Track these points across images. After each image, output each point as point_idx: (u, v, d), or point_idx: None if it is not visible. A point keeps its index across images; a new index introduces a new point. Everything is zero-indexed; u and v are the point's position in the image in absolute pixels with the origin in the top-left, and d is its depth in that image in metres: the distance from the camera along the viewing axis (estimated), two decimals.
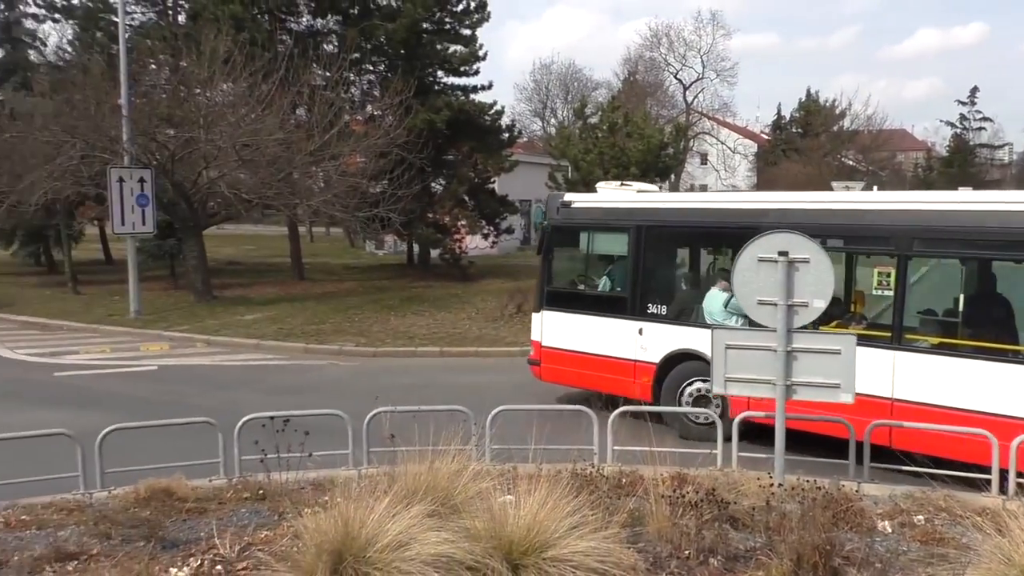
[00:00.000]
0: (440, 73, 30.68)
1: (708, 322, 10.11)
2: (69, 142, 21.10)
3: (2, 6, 31.85)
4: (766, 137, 61.23)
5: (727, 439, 8.14)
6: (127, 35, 23.00)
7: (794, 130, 57.04)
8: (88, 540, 6.15)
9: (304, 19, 29.85)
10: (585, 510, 5.53)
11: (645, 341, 10.77)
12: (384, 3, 29.38)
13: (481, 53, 30.32)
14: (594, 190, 12.93)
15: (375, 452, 7.93)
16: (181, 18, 30.24)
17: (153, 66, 25.32)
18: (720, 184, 54.32)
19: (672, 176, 39.25)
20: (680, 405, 10.46)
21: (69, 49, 30.56)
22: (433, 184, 30.10)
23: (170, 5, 30.75)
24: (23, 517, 6.87)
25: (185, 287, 25.08)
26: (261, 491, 7.30)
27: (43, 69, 30.04)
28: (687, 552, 5.81)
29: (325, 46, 27.41)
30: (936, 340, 8.94)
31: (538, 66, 73.14)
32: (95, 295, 24.76)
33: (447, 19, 29.92)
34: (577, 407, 8.59)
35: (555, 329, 11.78)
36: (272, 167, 22.13)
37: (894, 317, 8.95)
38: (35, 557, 5.88)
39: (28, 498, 7.25)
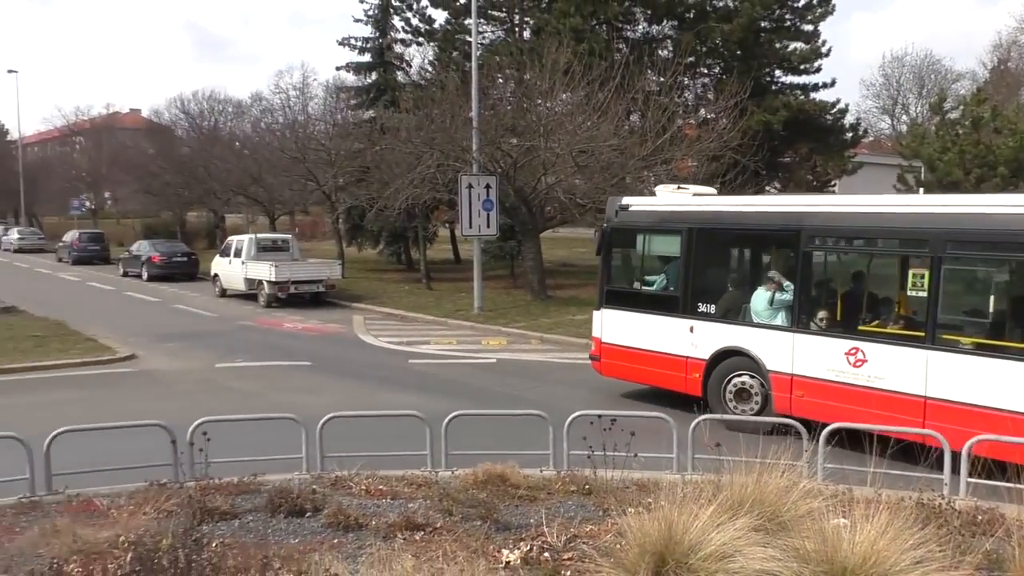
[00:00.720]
0: (778, 72, 29.61)
1: (754, 320, 10.77)
2: (428, 152, 23.35)
3: (377, 34, 35.96)
4: None
5: (767, 432, 8.23)
6: (478, 53, 24.91)
7: None
8: (433, 514, 6.71)
9: (640, 27, 30.35)
10: (931, 545, 5.00)
11: (696, 338, 11.26)
12: (720, 4, 28.96)
13: (823, 49, 28.84)
14: (952, 191, 11.89)
15: (699, 459, 7.81)
16: (526, 34, 32.13)
17: (500, 80, 27.15)
18: None
19: None
20: (723, 397, 10.91)
21: (430, 69, 33.78)
22: (767, 187, 29.08)
23: (516, 23, 32.78)
24: (380, 487, 7.69)
25: (522, 287, 26.60)
26: (587, 486, 7.50)
27: (408, 88, 33.49)
28: None
29: (660, 52, 27.61)
30: None
31: (888, 59, 67.81)
32: (445, 291, 27.14)
33: (787, 16, 28.82)
34: (920, 430, 7.82)
35: (614, 326, 12.44)
36: (606, 172, 22.73)
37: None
38: (389, 524, 6.53)
39: (385, 470, 8.10)
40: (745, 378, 10.75)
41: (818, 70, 29.13)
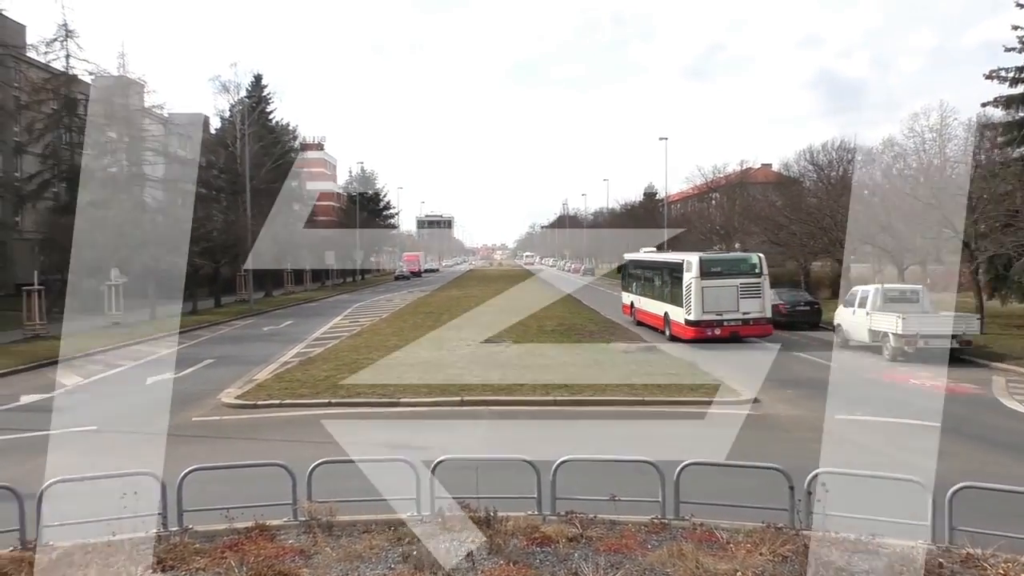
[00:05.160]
0: None
1: (633, 292, 36.43)
2: None
3: None
4: None
5: (637, 324, 34.31)
6: None
7: None
8: None
9: None
10: None
11: (630, 299, 36.35)
12: None
13: None
14: None
15: None
16: None
17: None
18: None
19: None
20: (633, 316, 35.45)
21: None
22: None
23: None
24: None
25: None
26: None
27: None
28: None
29: None
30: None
31: None
32: None
33: None
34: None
35: (626, 298, 37.38)
36: None
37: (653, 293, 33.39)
38: None
39: None
40: (635, 309, 35.16)
41: None
